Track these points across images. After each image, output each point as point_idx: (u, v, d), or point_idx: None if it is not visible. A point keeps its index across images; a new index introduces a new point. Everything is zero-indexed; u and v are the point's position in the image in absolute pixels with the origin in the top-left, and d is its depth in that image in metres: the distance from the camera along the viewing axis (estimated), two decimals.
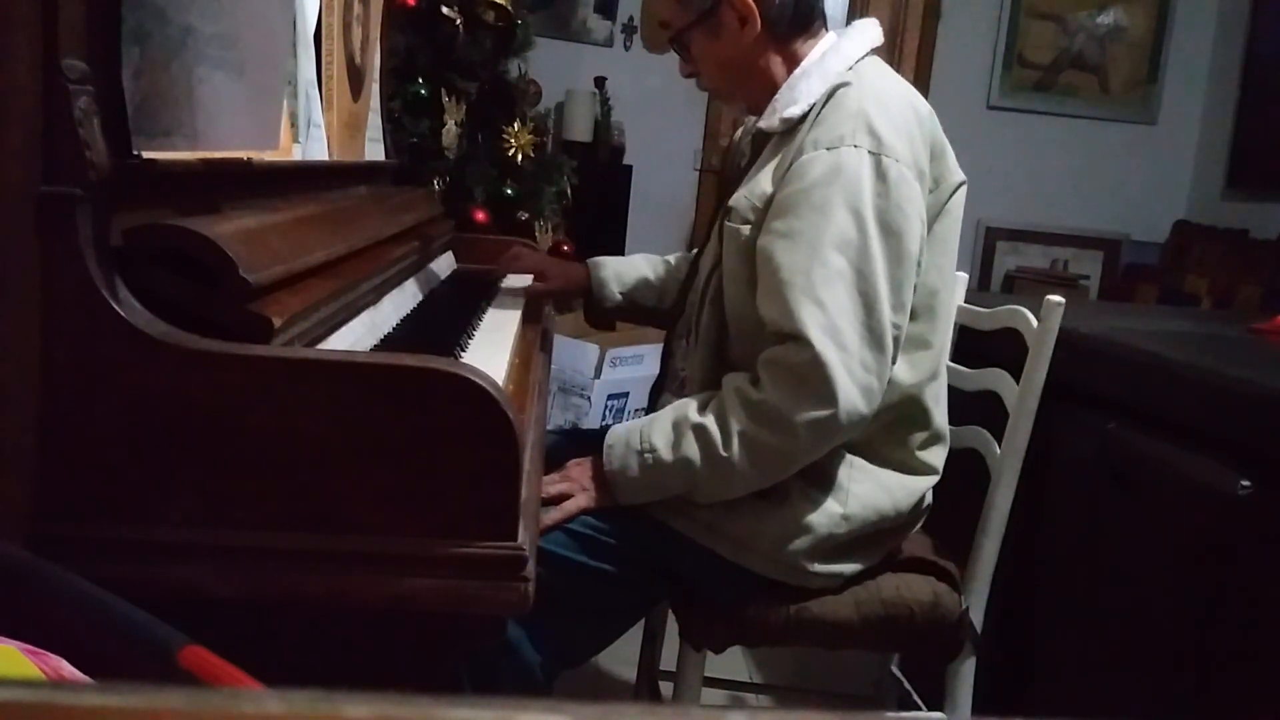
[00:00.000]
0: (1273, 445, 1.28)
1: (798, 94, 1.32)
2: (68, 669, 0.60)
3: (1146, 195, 4.89)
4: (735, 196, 1.33)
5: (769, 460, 1.24)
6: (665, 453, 1.26)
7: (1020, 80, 4.88)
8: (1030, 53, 4.87)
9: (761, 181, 1.30)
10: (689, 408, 1.28)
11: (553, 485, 1.32)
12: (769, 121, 1.34)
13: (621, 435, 1.30)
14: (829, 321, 1.20)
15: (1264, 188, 4.38)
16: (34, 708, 0.25)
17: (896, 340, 1.25)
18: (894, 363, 1.26)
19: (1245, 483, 1.29)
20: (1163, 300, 4.21)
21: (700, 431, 1.25)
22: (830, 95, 1.29)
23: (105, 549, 0.80)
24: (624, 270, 1.71)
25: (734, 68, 1.38)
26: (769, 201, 1.28)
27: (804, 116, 1.30)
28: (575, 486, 1.32)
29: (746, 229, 1.30)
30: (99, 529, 0.81)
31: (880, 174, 1.23)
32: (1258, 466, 1.29)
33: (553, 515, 1.29)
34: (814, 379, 1.19)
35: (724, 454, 1.23)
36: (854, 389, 1.20)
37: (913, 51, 4.83)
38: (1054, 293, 1.48)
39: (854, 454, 1.33)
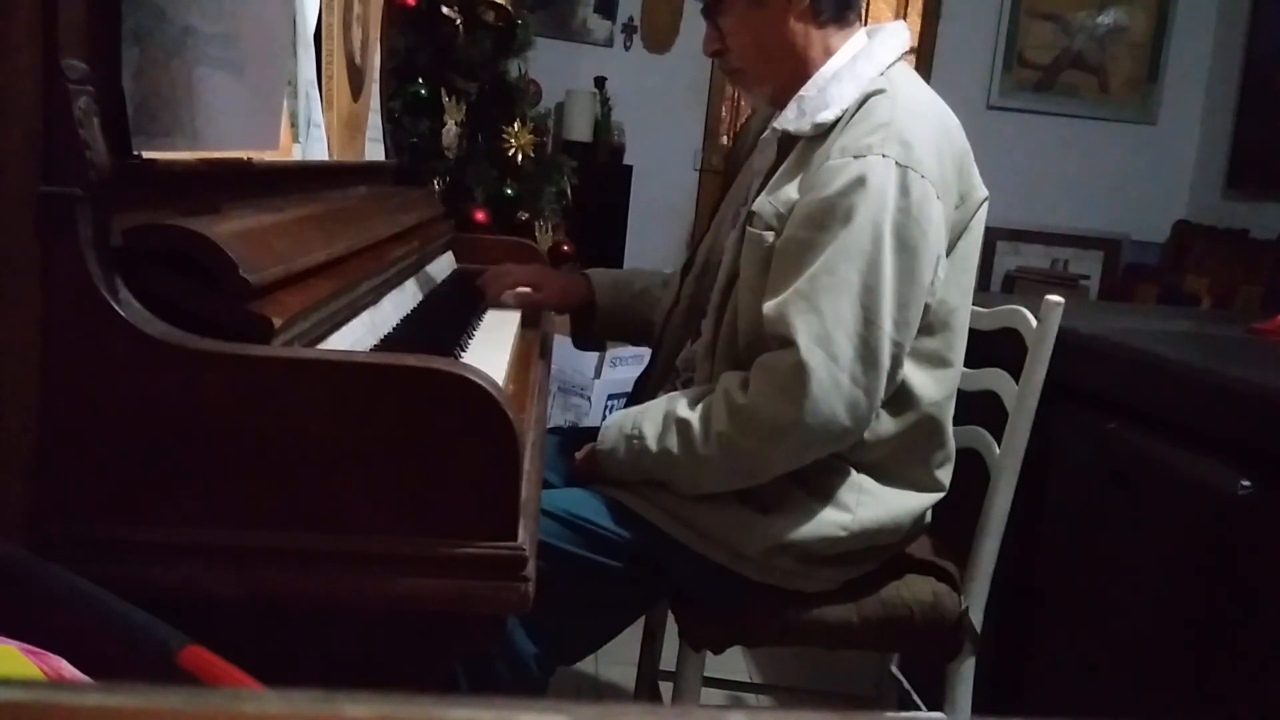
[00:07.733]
0: (1273, 445, 1.28)
1: (829, 98, 1.29)
2: (68, 669, 0.60)
3: (1146, 195, 4.89)
4: (759, 202, 1.30)
5: (743, 463, 1.25)
6: (651, 441, 1.29)
7: (1020, 80, 4.88)
8: (1030, 53, 4.87)
9: (787, 188, 1.28)
10: (680, 402, 1.30)
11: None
12: (799, 125, 1.31)
13: (616, 419, 1.35)
14: (823, 330, 1.19)
15: (1264, 188, 4.38)
16: (34, 708, 0.25)
17: (896, 359, 1.23)
18: (890, 381, 1.24)
19: (1245, 483, 1.29)
20: (1163, 300, 4.21)
21: (684, 427, 1.27)
22: (863, 102, 1.27)
23: (105, 549, 0.80)
24: (626, 279, 1.69)
25: (770, 45, 1.34)
26: (794, 208, 1.26)
27: (835, 122, 1.28)
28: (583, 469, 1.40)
29: (770, 235, 1.28)
30: (99, 529, 0.81)
31: (904, 188, 1.21)
32: (1258, 466, 1.29)
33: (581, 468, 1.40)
34: (795, 386, 1.19)
35: (702, 451, 1.25)
36: (838, 401, 1.20)
37: (913, 51, 4.83)
38: (1054, 293, 1.48)
39: (866, 474, 1.31)
